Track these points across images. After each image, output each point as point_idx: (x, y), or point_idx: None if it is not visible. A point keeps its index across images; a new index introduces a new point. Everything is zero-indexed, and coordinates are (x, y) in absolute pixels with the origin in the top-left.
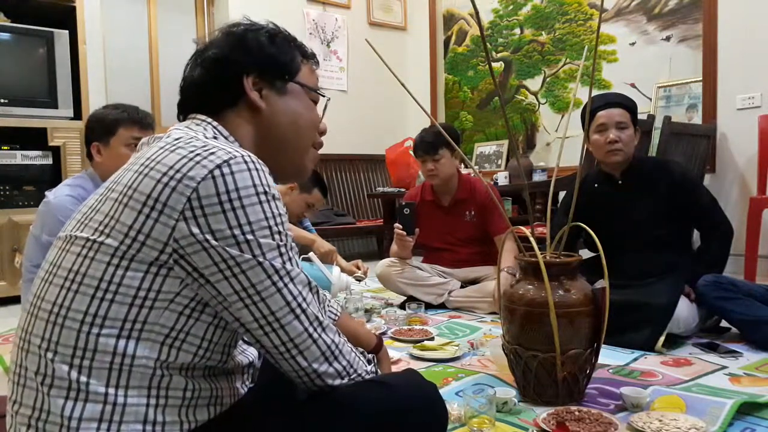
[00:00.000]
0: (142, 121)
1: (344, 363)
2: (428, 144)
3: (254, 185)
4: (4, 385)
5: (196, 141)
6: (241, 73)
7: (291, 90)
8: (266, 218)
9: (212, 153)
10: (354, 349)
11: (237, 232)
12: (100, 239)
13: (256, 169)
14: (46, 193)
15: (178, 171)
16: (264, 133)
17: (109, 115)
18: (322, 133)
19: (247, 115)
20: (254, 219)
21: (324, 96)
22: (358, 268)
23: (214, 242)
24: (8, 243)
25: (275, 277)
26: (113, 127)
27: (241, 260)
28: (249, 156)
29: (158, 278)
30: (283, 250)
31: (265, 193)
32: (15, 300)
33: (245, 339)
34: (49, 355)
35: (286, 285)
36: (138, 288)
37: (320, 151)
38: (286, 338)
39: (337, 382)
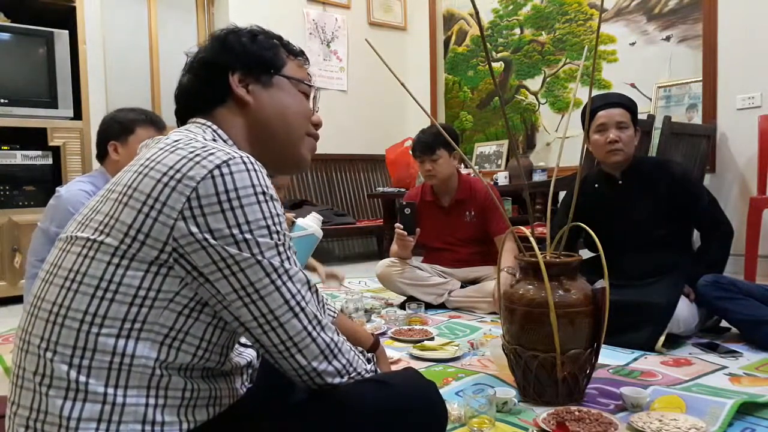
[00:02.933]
0: (158, 123)
1: (344, 361)
2: (425, 144)
3: (253, 185)
4: (4, 386)
5: (195, 142)
6: (227, 72)
7: (277, 83)
8: (264, 218)
9: (212, 154)
10: (353, 348)
11: (236, 231)
12: (100, 239)
13: (255, 170)
14: (58, 188)
15: (178, 171)
16: (255, 125)
17: (127, 116)
18: (317, 125)
19: (237, 110)
20: (253, 218)
21: (312, 86)
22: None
23: (213, 241)
24: (8, 243)
25: (274, 276)
26: (132, 127)
27: (240, 259)
28: (248, 157)
29: (158, 277)
30: (281, 249)
31: (264, 193)
32: (15, 300)
33: (241, 342)
34: (49, 354)
35: (284, 283)
36: (138, 287)
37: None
38: (285, 337)
39: (337, 380)
